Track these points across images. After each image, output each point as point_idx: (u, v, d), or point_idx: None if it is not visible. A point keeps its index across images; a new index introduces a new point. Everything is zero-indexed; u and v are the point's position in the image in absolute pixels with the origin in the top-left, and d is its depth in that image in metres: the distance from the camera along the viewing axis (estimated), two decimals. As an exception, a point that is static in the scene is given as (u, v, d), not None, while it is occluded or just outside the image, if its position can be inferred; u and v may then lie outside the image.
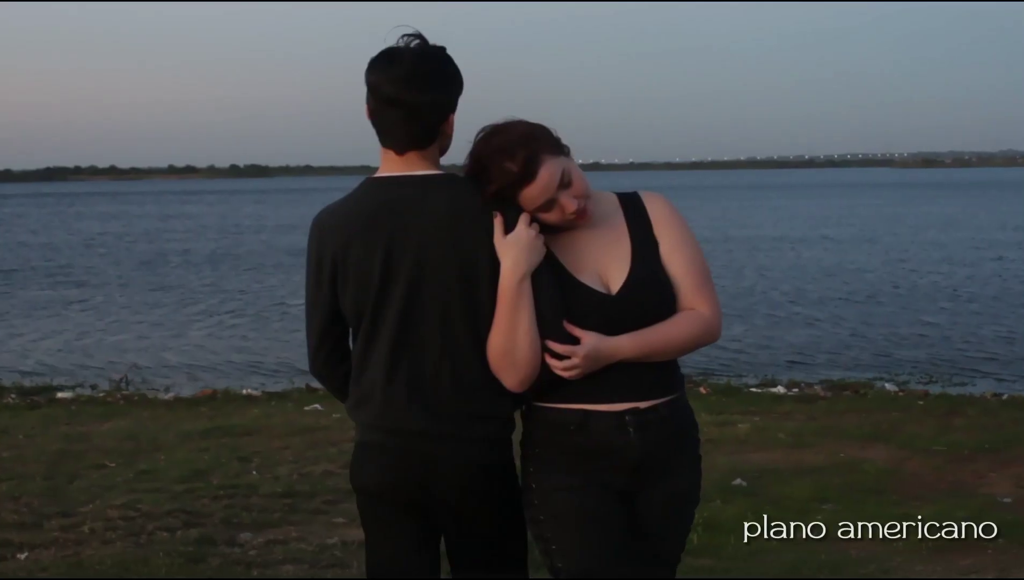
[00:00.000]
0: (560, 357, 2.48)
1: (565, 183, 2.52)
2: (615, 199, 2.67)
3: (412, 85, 2.49)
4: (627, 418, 2.54)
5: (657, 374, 2.57)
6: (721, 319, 2.63)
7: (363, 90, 2.56)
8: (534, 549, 2.63)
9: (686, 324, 2.56)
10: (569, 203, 2.53)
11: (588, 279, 2.56)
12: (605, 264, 2.58)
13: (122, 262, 30.33)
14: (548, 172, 2.50)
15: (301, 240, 5.86)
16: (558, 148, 2.55)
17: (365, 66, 2.54)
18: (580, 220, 2.55)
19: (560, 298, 2.51)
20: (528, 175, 2.49)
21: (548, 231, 2.57)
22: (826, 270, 24.91)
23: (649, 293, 2.56)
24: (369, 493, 2.63)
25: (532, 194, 2.51)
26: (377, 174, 2.60)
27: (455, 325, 2.51)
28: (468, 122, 2.63)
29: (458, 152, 2.62)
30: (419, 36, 2.53)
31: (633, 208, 2.65)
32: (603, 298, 2.54)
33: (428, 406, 2.52)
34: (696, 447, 2.69)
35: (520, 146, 2.50)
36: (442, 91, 2.52)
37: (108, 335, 16.84)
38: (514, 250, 2.47)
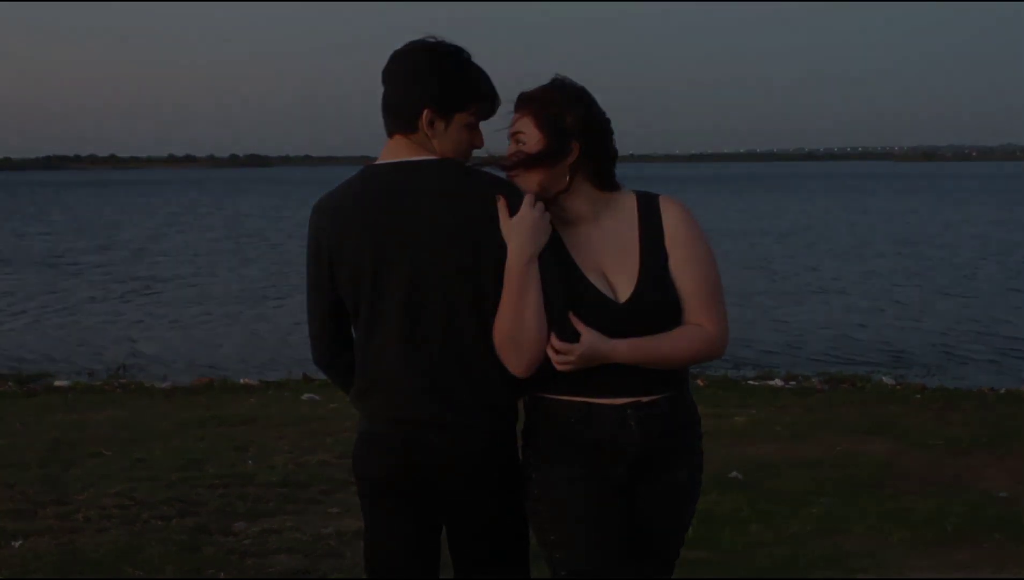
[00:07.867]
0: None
1: (514, 142, 2.56)
2: (633, 200, 2.62)
3: (383, 77, 2.57)
4: (628, 411, 2.52)
5: (661, 369, 2.55)
6: (726, 336, 2.58)
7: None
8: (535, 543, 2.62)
9: (687, 340, 2.54)
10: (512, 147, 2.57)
11: (594, 278, 2.53)
12: (611, 268, 2.54)
13: (122, 251, 30.31)
14: (520, 120, 2.55)
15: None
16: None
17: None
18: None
19: (564, 287, 2.48)
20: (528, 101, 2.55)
21: (556, 222, 2.55)
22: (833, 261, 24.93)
23: (654, 312, 2.52)
24: (372, 483, 2.61)
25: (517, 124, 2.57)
26: (376, 161, 2.59)
27: (458, 311, 2.48)
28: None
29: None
30: (437, 39, 2.55)
31: (648, 214, 2.59)
32: (607, 302, 2.51)
33: (434, 395, 2.49)
34: (698, 443, 2.67)
35: (567, 97, 2.53)
36: (401, 86, 2.53)
37: (106, 323, 16.84)
38: (520, 232, 2.43)
